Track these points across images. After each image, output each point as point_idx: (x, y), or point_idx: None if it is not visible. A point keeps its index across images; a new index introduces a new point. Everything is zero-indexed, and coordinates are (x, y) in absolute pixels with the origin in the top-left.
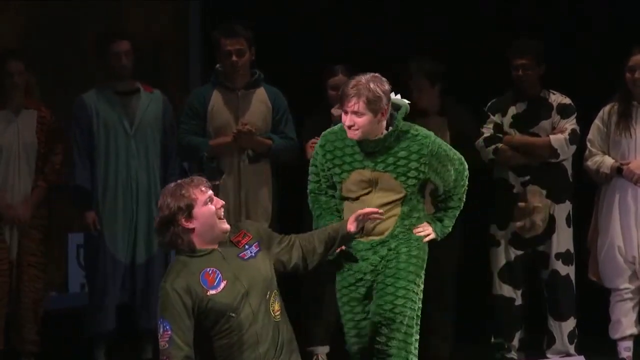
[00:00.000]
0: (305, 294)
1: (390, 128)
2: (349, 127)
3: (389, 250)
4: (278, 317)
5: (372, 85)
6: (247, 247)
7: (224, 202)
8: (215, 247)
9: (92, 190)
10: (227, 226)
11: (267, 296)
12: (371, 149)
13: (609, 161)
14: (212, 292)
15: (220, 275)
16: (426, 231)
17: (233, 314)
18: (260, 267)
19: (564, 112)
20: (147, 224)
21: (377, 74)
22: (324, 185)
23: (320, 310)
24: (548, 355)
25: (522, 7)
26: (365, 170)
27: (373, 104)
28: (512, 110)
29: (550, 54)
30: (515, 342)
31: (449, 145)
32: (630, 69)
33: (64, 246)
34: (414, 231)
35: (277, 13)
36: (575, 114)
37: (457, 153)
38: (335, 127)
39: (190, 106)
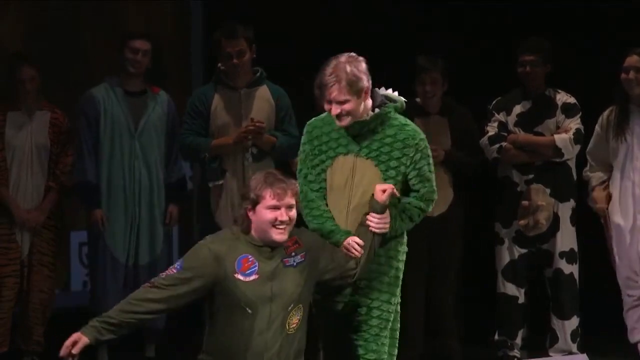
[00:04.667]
0: None
1: (377, 110)
2: (337, 116)
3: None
4: (292, 330)
5: (349, 68)
6: (293, 254)
7: (289, 218)
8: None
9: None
10: (282, 237)
11: (289, 309)
12: (356, 131)
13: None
14: (240, 277)
15: (256, 267)
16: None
17: (250, 310)
18: (294, 279)
19: (568, 111)
20: (149, 225)
21: (352, 54)
22: (316, 185)
23: None
24: (551, 354)
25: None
26: (348, 155)
27: (355, 86)
28: (517, 109)
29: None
30: (518, 340)
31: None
32: (625, 70)
33: (67, 244)
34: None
35: (278, 12)
36: (580, 114)
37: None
38: (323, 114)
39: (192, 106)
